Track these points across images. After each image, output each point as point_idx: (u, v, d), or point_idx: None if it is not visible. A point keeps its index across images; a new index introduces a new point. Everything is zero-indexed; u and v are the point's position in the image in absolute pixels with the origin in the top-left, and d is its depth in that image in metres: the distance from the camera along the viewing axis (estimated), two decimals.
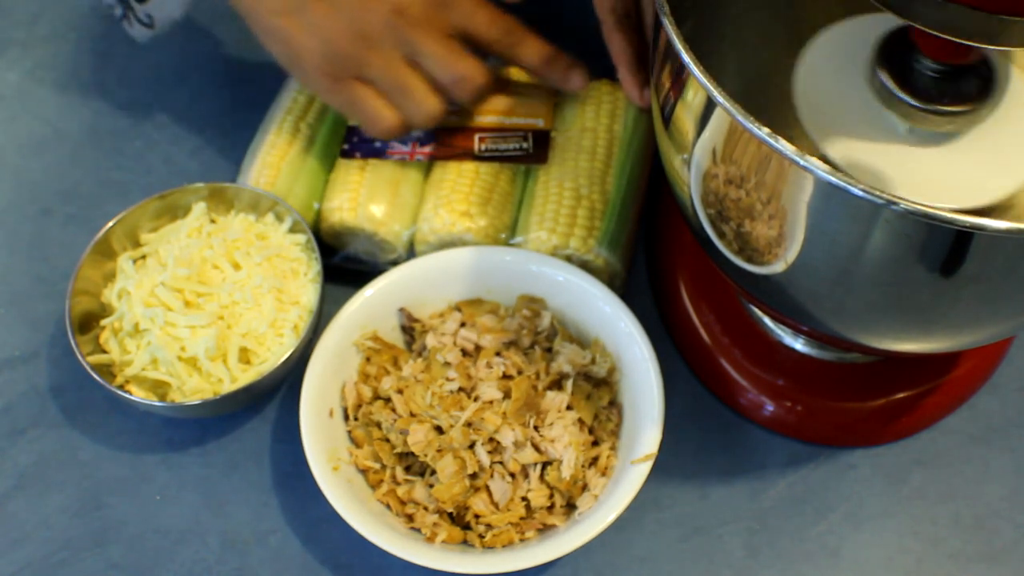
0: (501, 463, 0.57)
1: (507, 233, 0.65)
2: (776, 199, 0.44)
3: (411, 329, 0.63)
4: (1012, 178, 0.48)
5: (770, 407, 0.62)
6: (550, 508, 0.57)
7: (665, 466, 0.60)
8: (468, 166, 0.66)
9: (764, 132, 0.41)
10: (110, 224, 0.63)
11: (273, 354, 0.61)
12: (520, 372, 0.59)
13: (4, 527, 0.61)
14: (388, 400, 0.60)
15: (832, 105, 0.50)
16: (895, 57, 0.49)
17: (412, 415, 0.58)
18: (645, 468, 0.55)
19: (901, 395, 0.62)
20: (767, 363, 0.63)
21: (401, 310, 0.63)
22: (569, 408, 0.59)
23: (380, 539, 0.54)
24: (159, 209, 0.65)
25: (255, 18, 0.63)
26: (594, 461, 0.58)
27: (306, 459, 0.56)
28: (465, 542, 0.57)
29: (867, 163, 0.48)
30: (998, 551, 0.59)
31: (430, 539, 0.56)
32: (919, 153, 0.49)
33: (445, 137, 0.67)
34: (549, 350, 0.61)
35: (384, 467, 0.58)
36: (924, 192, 0.48)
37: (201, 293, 0.61)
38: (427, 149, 0.67)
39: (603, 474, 0.57)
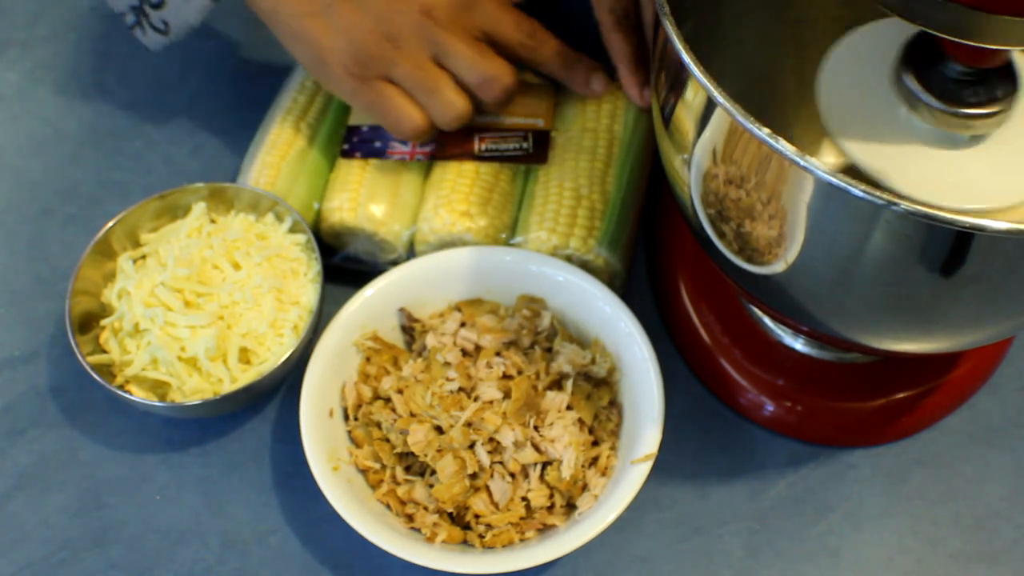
0: (501, 463, 0.57)
1: (507, 233, 0.65)
2: (776, 199, 0.44)
3: (411, 329, 0.63)
4: None
5: (770, 407, 0.62)
6: (550, 508, 0.57)
7: (665, 466, 0.60)
8: (468, 166, 0.66)
9: (764, 132, 0.41)
10: (110, 224, 0.63)
11: (273, 354, 0.61)
12: (520, 372, 0.59)
13: (4, 527, 0.61)
14: (388, 400, 0.60)
15: (856, 108, 0.50)
16: (921, 60, 0.49)
17: (412, 415, 0.58)
18: (645, 468, 0.55)
19: (901, 395, 0.62)
20: (767, 363, 0.63)
21: (401, 310, 0.63)
22: (569, 408, 0.59)
23: (380, 539, 0.54)
24: (159, 209, 0.65)
25: (278, 21, 0.63)
26: (594, 461, 0.58)
27: (306, 459, 0.56)
28: (465, 542, 0.57)
29: (892, 166, 0.48)
30: (998, 551, 0.59)
31: (430, 539, 0.56)
32: (945, 155, 0.49)
33: (445, 137, 0.67)
34: (549, 350, 0.61)
35: (384, 467, 0.58)
36: (951, 194, 0.47)
37: (201, 293, 0.61)
38: (427, 149, 0.67)
39: (603, 474, 0.57)
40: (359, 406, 0.60)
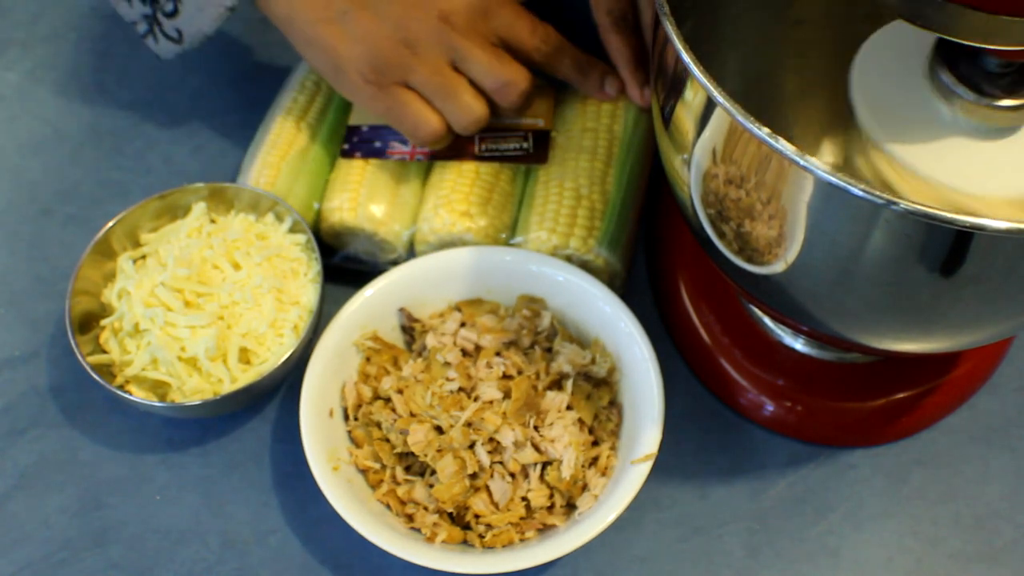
0: (501, 463, 0.57)
1: (507, 233, 0.65)
2: (776, 199, 0.44)
3: (411, 329, 0.63)
4: None
5: (770, 407, 0.62)
6: (550, 508, 0.57)
7: (665, 466, 0.60)
8: (468, 166, 0.66)
9: (764, 132, 0.41)
10: (110, 224, 0.63)
11: (273, 354, 0.61)
12: (520, 372, 0.59)
13: (4, 527, 0.61)
14: (388, 400, 0.60)
15: (891, 102, 0.50)
16: (955, 54, 0.49)
17: (412, 415, 0.58)
18: (645, 468, 0.55)
19: (901, 395, 0.62)
20: (767, 363, 0.63)
21: (401, 310, 0.63)
22: (569, 408, 0.59)
23: (380, 539, 0.54)
24: (159, 209, 0.65)
25: (293, 27, 0.63)
26: (594, 461, 0.58)
27: (306, 459, 0.56)
28: (465, 542, 0.57)
29: (927, 159, 0.48)
30: (998, 551, 0.59)
31: (430, 539, 0.56)
32: (980, 147, 0.48)
33: None
34: (549, 350, 0.61)
35: (384, 467, 0.58)
36: (985, 185, 0.47)
37: (201, 293, 0.61)
38: (427, 149, 0.67)
39: (603, 474, 0.57)
40: (359, 406, 0.60)
